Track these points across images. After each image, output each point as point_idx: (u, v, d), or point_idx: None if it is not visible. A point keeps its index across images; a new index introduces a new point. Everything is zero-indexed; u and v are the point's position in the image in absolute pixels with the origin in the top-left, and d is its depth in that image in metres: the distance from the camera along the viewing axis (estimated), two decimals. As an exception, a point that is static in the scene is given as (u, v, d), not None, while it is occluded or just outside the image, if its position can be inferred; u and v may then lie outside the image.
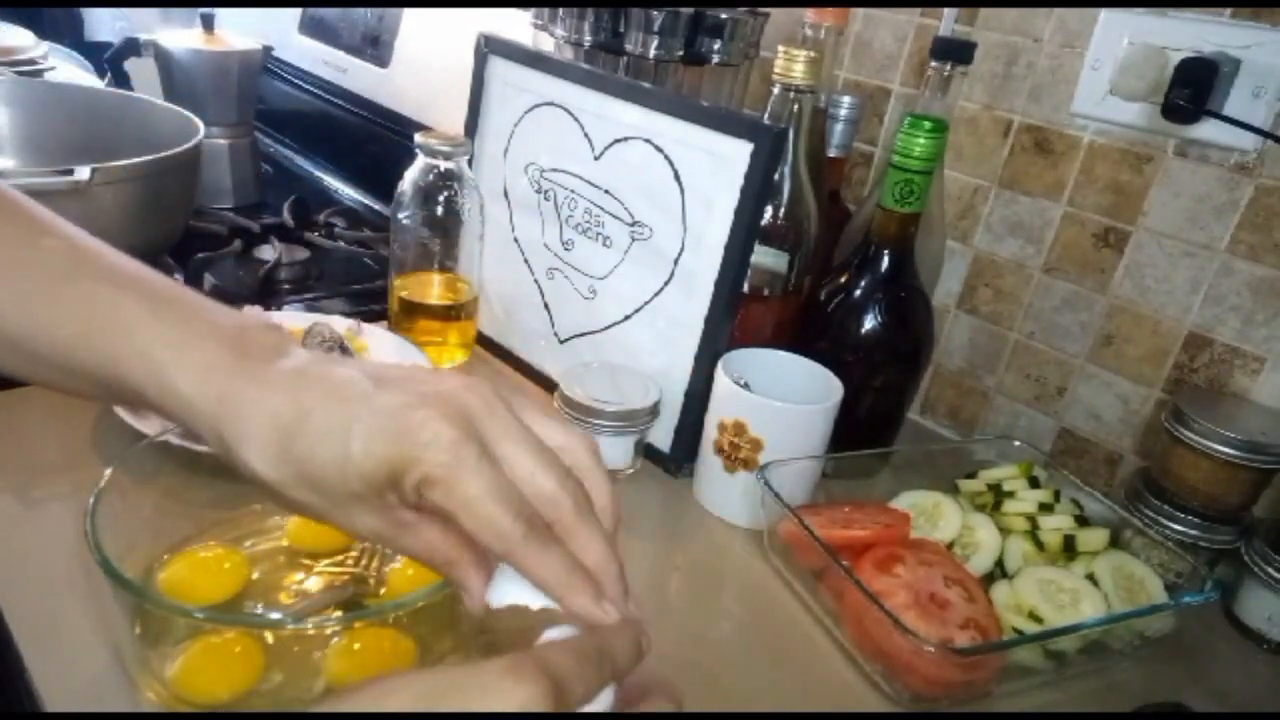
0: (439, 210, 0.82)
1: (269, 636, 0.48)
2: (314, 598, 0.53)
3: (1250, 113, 0.68)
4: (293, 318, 0.81)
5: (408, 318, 0.85)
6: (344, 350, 0.76)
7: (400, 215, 0.82)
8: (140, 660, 0.47)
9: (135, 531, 0.51)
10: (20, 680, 0.50)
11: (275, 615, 0.51)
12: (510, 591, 0.36)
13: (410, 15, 1.20)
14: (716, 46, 0.87)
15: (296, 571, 0.55)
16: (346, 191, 1.31)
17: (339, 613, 0.52)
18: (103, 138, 0.96)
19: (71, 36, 1.51)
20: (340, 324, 0.81)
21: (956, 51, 0.75)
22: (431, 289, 0.86)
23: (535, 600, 0.36)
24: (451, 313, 0.86)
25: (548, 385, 0.84)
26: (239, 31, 1.21)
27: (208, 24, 1.15)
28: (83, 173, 0.74)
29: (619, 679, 0.34)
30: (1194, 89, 0.69)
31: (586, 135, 0.79)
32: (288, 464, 0.36)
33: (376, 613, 0.49)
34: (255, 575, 0.54)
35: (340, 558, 0.56)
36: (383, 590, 0.54)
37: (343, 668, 0.46)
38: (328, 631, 0.49)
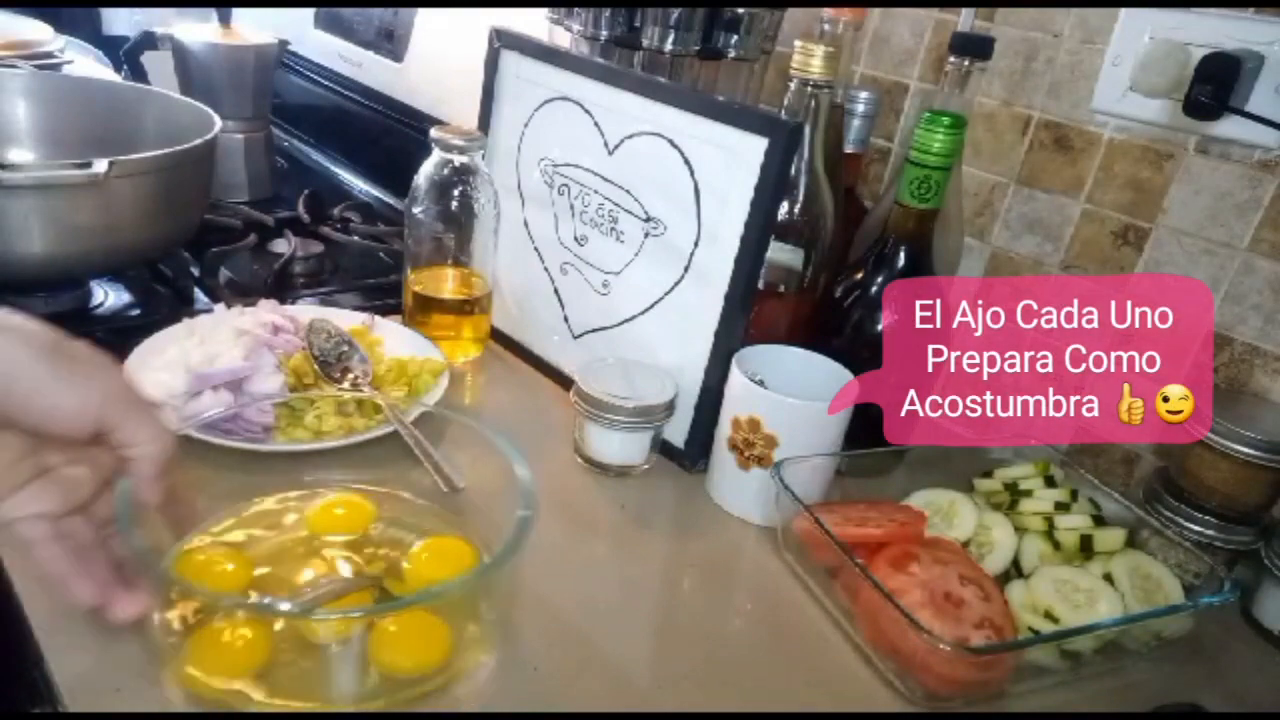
0: (453, 205, 0.82)
1: (298, 626, 0.49)
2: (335, 585, 0.53)
3: (1274, 109, 0.67)
4: (306, 311, 0.81)
5: (421, 312, 0.85)
6: (349, 345, 0.76)
7: (415, 209, 0.82)
8: (165, 647, 0.48)
9: (152, 522, 0.51)
10: (37, 669, 0.50)
11: (296, 605, 0.52)
12: None
13: (425, 10, 1.20)
14: (733, 41, 0.87)
15: (315, 560, 0.56)
16: (361, 186, 1.31)
17: (363, 597, 0.53)
18: (120, 131, 0.96)
19: (89, 30, 1.51)
20: (346, 318, 0.81)
21: (975, 47, 0.75)
22: (445, 284, 0.86)
23: None
24: (465, 307, 0.86)
25: (562, 380, 0.84)
26: (255, 26, 1.21)
27: (224, 18, 1.16)
28: (100, 165, 0.75)
29: None
30: (1216, 85, 0.68)
31: (600, 130, 0.79)
32: None
33: (403, 604, 0.51)
34: (275, 566, 0.55)
35: (358, 543, 0.57)
36: (404, 567, 0.55)
37: (387, 654, 0.48)
38: (354, 620, 0.50)
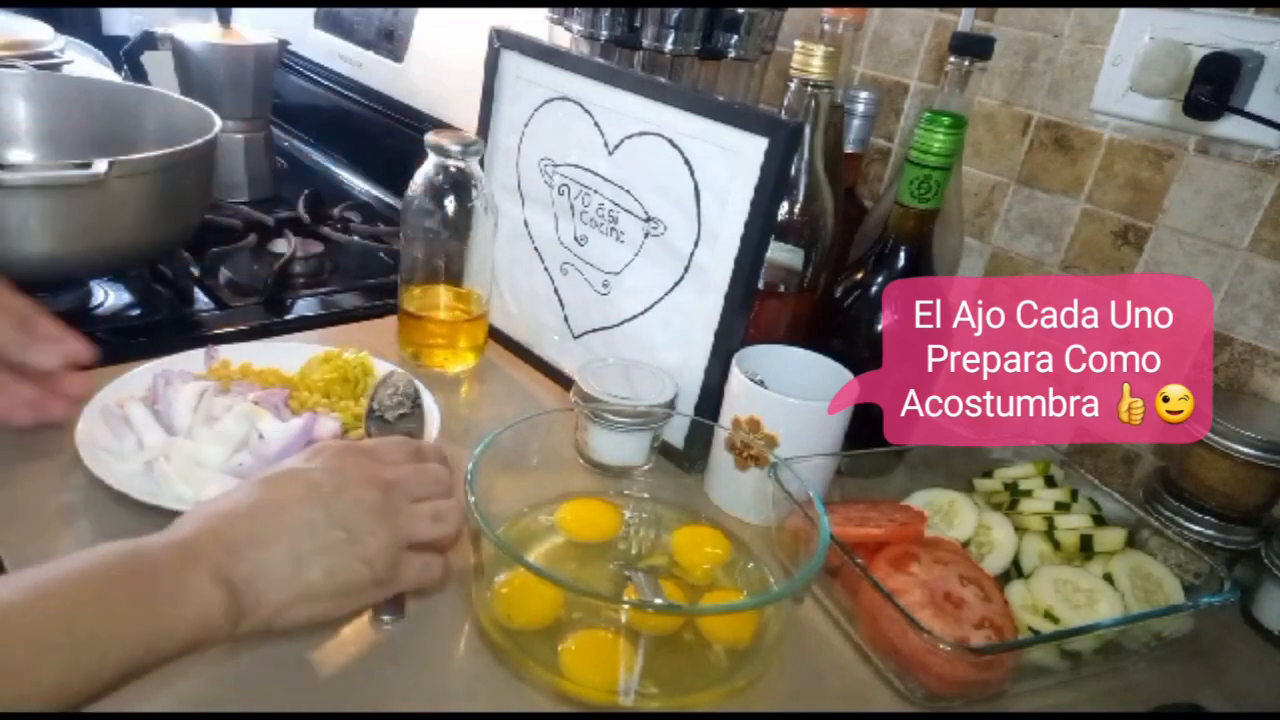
0: (450, 210, 0.81)
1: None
2: (652, 581, 0.59)
3: (1274, 109, 0.68)
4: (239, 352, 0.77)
5: (415, 324, 0.84)
6: (414, 408, 0.70)
7: (411, 215, 0.82)
8: (474, 593, 0.56)
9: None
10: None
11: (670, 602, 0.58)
12: None
13: (425, 10, 1.20)
14: (733, 41, 0.87)
15: (589, 565, 0.62)
16: (361, 185, 1.31)
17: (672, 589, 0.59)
18: (120, 131, 0.96)
19: (89, 30, 1.51)
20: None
21: (975, 47, 0.75)
22: (438, 304, 0.85)
23: None
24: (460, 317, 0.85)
25: (562, 381, 0.84)
26: (255, 26, 1.21)
27: (224, 18, 1.16)
28: (100, 166, 0.75)
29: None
30: (1216, 85, 0.68)
31: (600, 130, 0.79)
32: None
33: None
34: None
35: (616, 543, 0.64)
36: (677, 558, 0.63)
37: (726, 631, 0.55)
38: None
